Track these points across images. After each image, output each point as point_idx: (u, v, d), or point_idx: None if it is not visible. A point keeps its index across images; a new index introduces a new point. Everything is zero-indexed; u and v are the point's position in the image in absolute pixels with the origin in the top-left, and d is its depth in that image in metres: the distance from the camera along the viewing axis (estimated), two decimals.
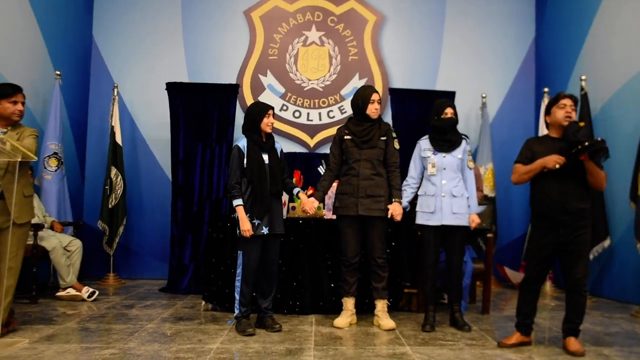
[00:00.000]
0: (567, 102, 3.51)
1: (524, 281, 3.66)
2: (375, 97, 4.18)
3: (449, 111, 4.18)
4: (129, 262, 6.56)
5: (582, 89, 5.64)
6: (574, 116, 3.50)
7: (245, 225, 3.83)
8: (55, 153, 5.63)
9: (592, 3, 5.91)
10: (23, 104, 3.75)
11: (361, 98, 4.19)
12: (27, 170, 3.85)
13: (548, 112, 3.61)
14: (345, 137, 4.21)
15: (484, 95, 6.65)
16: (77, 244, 5.25)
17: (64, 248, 5.13)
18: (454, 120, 4.20)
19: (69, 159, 6.10)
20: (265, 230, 3.91)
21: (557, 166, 3.36)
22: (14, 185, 3.57)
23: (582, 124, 3.44)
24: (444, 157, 4.16)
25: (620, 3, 5.55)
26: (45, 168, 5.59)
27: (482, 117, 6.63)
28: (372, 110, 4.16)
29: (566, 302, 3.56)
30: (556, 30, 6.64)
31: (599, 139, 3.27)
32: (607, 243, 5.43)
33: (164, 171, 6.56)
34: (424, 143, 4.27)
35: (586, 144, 3.22)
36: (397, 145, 4.24)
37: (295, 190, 4.17)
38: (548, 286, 6.00)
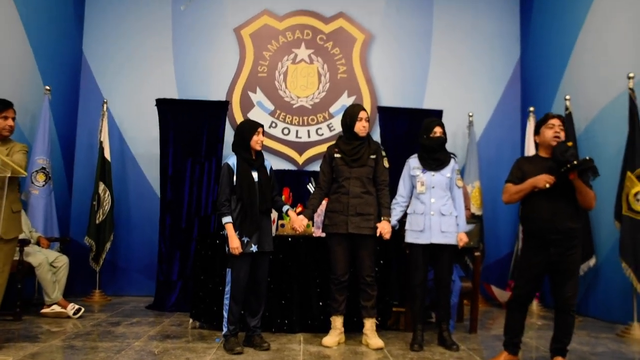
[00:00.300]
0: (555, 122, 3.56)
1: (513, 299, 3.68)
2: (363, 114, 4.22)
3: (437, 130, 4.23)
4: (116, 278, 6.51)
5: (566, 108, 5.74)
6: (563, 136, 3.55)
7: (235, 243, 3.84)
8: (43, 168, 5.60)
9: (575, 24, 6.03)
10: (13, 119, 3.76)
11: (349, 116, 4.24)
12: (16, 186, 3.83)
13: (537, 132, 3.66)
14: (335, 155, 4.24)
15: (470, 114, 6.74)
16: (63, 260, 5.21)
17: (50, 264, 5.08)
18: (443, 139, 4.25)
19: (56, 174, 6.07)
20: (254, 248, 3.91)
21: (547, 185, 3.39)
22: (2, 201, 3.55)
23: (570, 143, 3.50)
24: (433, 175, 4.19)
25: (602, 24, 5.66)
26: (32, 183, 5.56)
27: (469, 135, 6.71)
28: (360, 127, 4.20)
29: (555, 322, 3.59)
30: (541, 50, 6.76)
31: (587, 157, 3.32)
32: (592, 262, 5.49)
33: (152, 187, 6.55)
34: (413, 162, 4.31)
35: (574, 162, 3.27)
36: (386, 164, 4.27)
37: (285, 208, 4.19)
38: (535, 305, 6.03)
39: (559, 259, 3.44)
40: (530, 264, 3.55)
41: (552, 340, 3.59)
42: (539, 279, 3.59)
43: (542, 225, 3.47)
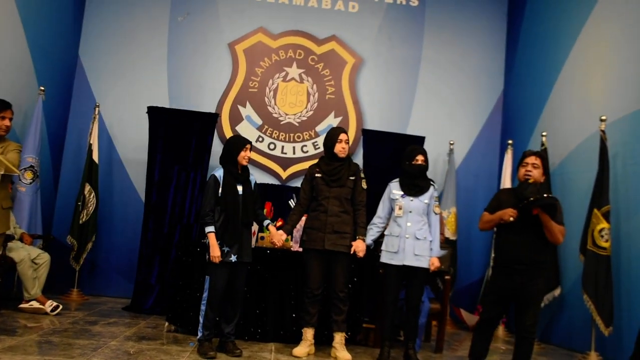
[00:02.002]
0: (529, 160, 3.77)
1: (479, 323, 3.88)
2: (343, 137, 4.42)
3: (419, 158, 4.43)
4: (94, 278, 6.58)
5: (542, 144, 5.99)
6: (536, 174, 3.74)
7: (216, 252, 3.99)
8: (31, 166, 5.72)
9: (556, 66, 6.31)
10: (10, 119, 3.89)
11: (330, 138, 4.45)
12: (7, 184, 3.96)
13: (517, 169, 3.89)
14: (316, 174, 4.43)
15: (452, 142, 6.97)
16: (45, 257, 5.31)
17: (32, 261, 5.18)
18: (424, 167, 4.45)
19: (44, 173, 6.17)
20: (233, 258, 4.07)
21: (511, 219, 3.62)
22: None
23: (531, 180, 3.72)
24: (412, 200, 4.37)
25: (581, 68, 5.96)
26: (20, 180, 5.65)
27: (449, 162, 6.93)
28: (340, 149, 4.40)
29: (515, 347, 3.78)
30: (523, 86, 7.03)
31: (545, 195, 3.56)
32: (557, 292, 5.69)
33: (138, 192, 6.67)
34: (394, 186, 4.48)
35: (531, 199, 3.51)
36: (364, 185, 4.47)
37: (265, 223, 4.37)
38: (500, 330, 6.22)
39: (523, 287, 3.63)
40: (497, 289, 3.76)
41: None
42: (505, 304, 3.79)
43: (509, 255, 3.68)
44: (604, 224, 5.01)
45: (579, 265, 5.25)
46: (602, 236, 5.01)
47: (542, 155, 3.87)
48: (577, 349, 5.36)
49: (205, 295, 4.09)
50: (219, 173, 4.16)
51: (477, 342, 3.84)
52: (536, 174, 3.75)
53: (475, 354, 3.84)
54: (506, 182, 6.42)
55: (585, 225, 5.18)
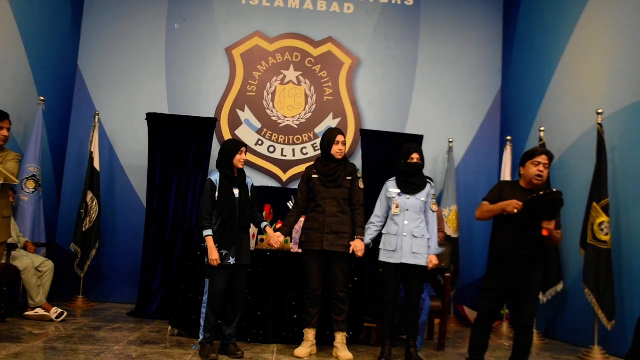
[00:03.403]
0: (542, 159, 3.68)
1: (477, 318, 3.90)
2: (339, 138, 4.45)
3: (415, 156, 4.44)
4: (99, 285, 6.65)
5: (540, 139, 5.99)
6: (546, 174, 3.69)
7: (214, 255, 4.03)
8: (33, 175, 5.77)
9: (553, 61, 6.33)
10: (8, 129, 3.94)
11: (327, 139, 4.48)
12: (7, 192, 4.01)
13: (523, 164, 3.79)
14: (313, 176, 4.46)
15: (451, 140, 6.99)
16: (49, 265, 5.36)
17: (36, 269, 5.23)
18: (420, 166, 4.46)
19: (46, 181, 6.24)
20: (232, 261, 4.11)
21: (515, 211, 3.56)
22: None
23: (542, 181, 3.68)
24: (408, 199, 4.38)
25: (577, 63, 5.98)
26: (22, 189, 5.72)
27: (449, 160, 6.95)
28: (336, 150, 4.44)
29: (514, 341, 3.80)
30: (520, 83, 7.05)
31: (555, 189, 3.53)
32: (560, 287, 5.70)
33: (140, 198, 6.73)
34: (391, 184, 4.50)
35: (540, 193, 3.47)
36: (361, 185, 4.49)
37: (263, 225, 4.40)
38: (505, 327, 6.22)
39: (520, 281, 3.65)
40: (492, 285, 3.77)
41: (511, 358, 3.79)
42: (501, 299, 3.80)
43: (505, 251, 3.70)
44: (604, 217, 5.02)
45: (580, 260, 5.26)
46: (602, 230, 5.01)
47: (551, 155, 3.78)
48: (581, 344, 5.37)
49: (205, 298, 4.14)
50: (215, 177, 4.20)
51: (477, 337, 3.86)
52: (546, 174, 3.70)
53: (474, 349, 3.86)
54: (506, 178, 6.42)
55: (585, 219, 5.19)
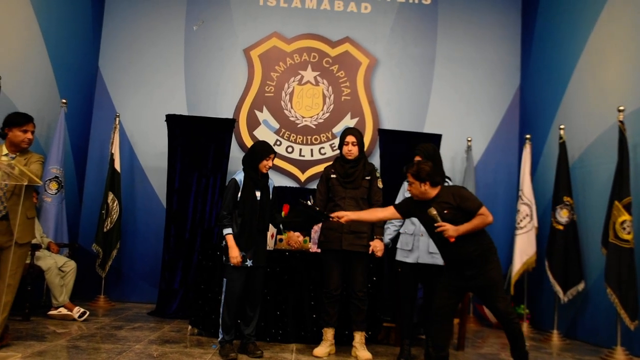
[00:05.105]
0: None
1: (434, 314, 3.82)
2: (349, 139, 4.46)
3: (416, 159, 4.41)
4: (120, 285, 6.74)
5: (560, 137, 5.94)
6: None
7: (234, 252, 4.06)
8: (56, 177, 5.87)
9: (572, 58, 6.26)
10: (32, 132, 4.00)
11: (340, 140, 4.52)
12: (31, 194, 4.09)
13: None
14: (331, 176, 4.48)
15: (469, 139, 6.95)
16: (71, 265, 5.45)
17: (59, 268, 5.32)
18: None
19: (68, 183, 6.34)
20: (249, 262, 4.14)
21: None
22: (18, 207, 3.78)
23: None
24: None
25: (597, 60, 5.90)
26: (45, 191, 5.82)
27: (467, 160, 6.91)
28: (346, 151, 4.45)
29: (505, 333, 3.74)
30: (540, 80, 6.98)
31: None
32: (581, 287, 5.64)
33: (159, 199, 6.80)
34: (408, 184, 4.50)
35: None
36: (380, 185, 4.50)
37: (282, 226, 4.42)
38: (525, 326, 6.17)
39: (474, 278, 3.66)
40: (451, 281, 3.77)
41: (511, 351, 3.74)
42: (460, 295, 3.82)
43: (450, 257, 3.76)
44: (626, 216, 4.95)
45: (602, 259, 5.19)
46: (624, 228, 4.94)
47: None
48: (603, 344, 5.29)
49: (222, 297, 4.17)
50: (240, 177, 4.22)
51: (437, 333, 3.82)
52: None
53: (436, 347, 3.80)
54: (525, 177, 6.37)
55: (606, 217, 5.12)
